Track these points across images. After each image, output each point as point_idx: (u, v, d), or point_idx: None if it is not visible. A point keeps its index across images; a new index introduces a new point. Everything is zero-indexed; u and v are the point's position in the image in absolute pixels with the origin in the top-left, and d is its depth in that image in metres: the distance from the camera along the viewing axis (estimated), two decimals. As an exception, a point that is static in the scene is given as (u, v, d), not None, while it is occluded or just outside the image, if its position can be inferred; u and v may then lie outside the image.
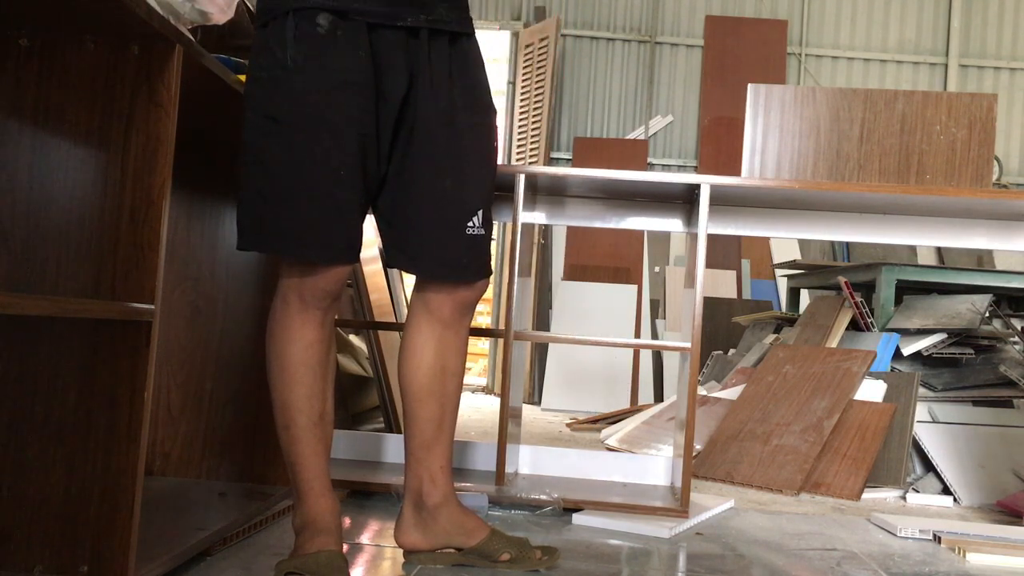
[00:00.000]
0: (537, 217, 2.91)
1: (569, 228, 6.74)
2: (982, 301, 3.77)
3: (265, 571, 1.72)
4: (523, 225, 2.59)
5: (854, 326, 3.98)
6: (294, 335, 1.70)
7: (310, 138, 1.62)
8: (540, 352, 6.42)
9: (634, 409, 4.81)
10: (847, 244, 6.86)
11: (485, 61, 1.84)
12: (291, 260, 1.68)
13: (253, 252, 1.79)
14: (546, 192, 2.86)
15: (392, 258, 1.78)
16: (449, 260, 1.75)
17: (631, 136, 7.55)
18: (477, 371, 8.31)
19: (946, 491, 3.09)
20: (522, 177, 2.55)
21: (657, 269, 6.80)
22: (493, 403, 6.12)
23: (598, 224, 2.92)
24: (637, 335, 6.09)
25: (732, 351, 5.07)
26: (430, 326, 1.81)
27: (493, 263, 2.03)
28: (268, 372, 1.74)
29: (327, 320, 1.73)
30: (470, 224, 1.76)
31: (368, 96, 1.65)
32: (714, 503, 2.66)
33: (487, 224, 1.80)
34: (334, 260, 1.67)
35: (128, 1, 1.36)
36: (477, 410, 5.54)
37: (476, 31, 1.83)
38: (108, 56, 1.53)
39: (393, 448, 2.89)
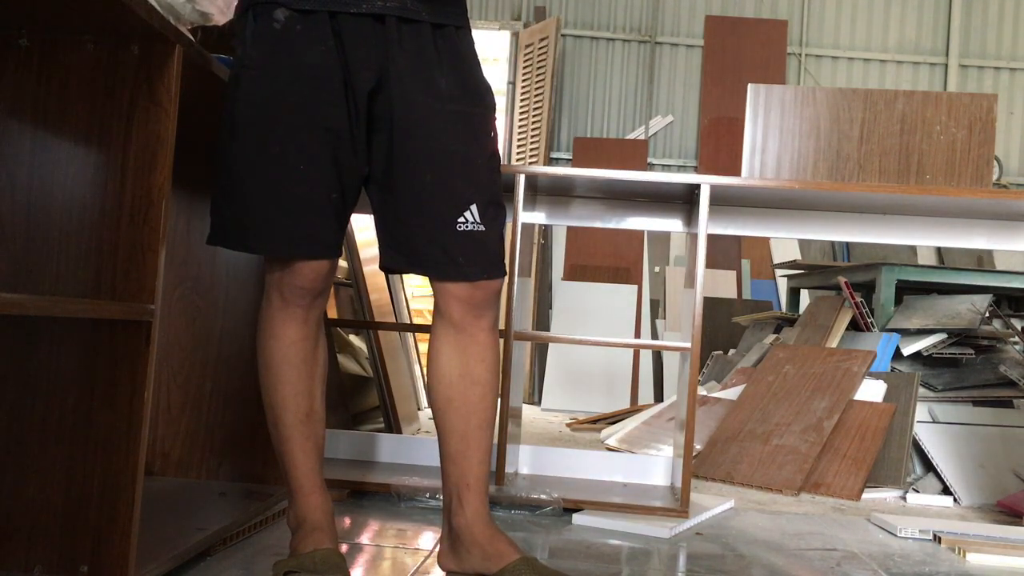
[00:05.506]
0: (537, 217, 2.91)
1: (569, 228, 6.74)
2: (982, 301, 3.77)
3: (265, 571, 1.72)
4: (523, 225, 2.59)
5: (854, 326, 3.98)
6: (276, 332, 1.69)
7: (265, 135, 1.59)
8: (540, 352, 6.42)
9: (634, 409, 4.81)
10: (847, 244, 6.85)
11: (485, 60, 1.77)
12: (258, 254, 1.66)
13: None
14: (546, 192, 2.86)
15: (388, 257, 1.71)
16: (438, 257, 1.65)
17: (631, 136, 7.54)
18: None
19: (946, 491, 3.09)
20: (522, 177, 2.55)
21: (657, 269, 6.79)
22: (493, 403, 6.11)
23: (598, 224, 2.91)
24: (637, 335, 6.09)
25: (732, 351, 5.07)
26: (443, 330, 1.71)
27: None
28: (257, 370, 1.74)
29: (310, 318, 1.71)
30: (461, 219, 1.63)
31: (334, 89, 1.60)
32: (714, 503, 2.66)
33: (490, 219, 1.66)
34: (297, 255, 1.63)
35: (128, 1, 1.36)
36: (477, 410, 5.53)
37: (477, 31, 1.79)
38: (108, 56, 1.53)
39: (392, 448, 2.88)
